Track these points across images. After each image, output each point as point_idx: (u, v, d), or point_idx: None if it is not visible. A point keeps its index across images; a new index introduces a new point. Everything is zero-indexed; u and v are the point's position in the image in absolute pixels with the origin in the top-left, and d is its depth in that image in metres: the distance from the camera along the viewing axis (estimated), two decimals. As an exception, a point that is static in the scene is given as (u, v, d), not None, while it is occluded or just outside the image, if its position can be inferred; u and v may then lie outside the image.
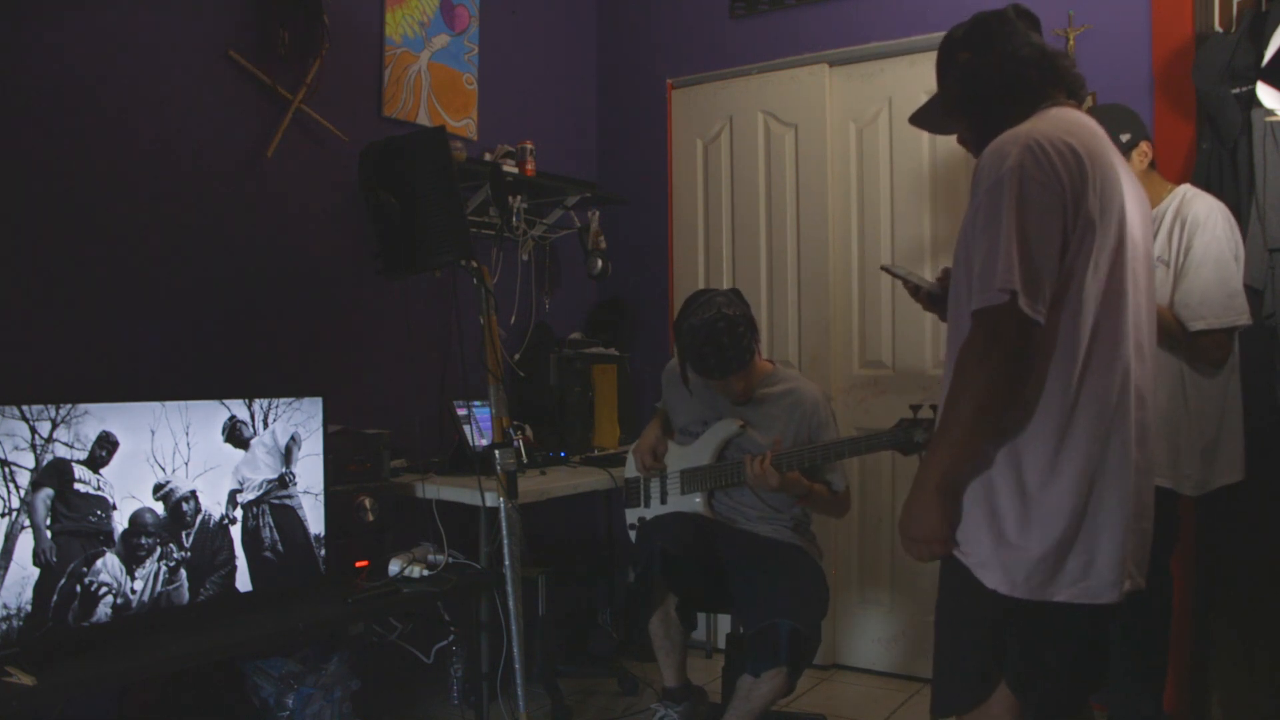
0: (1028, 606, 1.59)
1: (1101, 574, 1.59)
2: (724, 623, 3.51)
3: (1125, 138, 2.61)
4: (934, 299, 2.14)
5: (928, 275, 2.82)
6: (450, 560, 2.87)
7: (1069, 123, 1.64)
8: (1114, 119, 2.64)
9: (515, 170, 3.50)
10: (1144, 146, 2.65)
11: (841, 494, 2.83)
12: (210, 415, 2.46)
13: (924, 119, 1.92)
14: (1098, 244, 1.57)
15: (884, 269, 2.53)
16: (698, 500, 2.87)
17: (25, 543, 2.10)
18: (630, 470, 3.06)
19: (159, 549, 2.34)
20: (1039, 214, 1.53)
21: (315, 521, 2.68)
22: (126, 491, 2.28)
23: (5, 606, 2.06)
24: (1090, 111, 2.80)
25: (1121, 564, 1.60)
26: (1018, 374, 1.54)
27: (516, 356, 3.70)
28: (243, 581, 2.52)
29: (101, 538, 2.24)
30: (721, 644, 3.40)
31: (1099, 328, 1.59)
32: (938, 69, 1.85)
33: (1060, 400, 1.58)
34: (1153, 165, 2.71)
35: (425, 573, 2.77)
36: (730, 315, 2.71)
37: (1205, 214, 2.57)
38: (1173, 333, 2.55)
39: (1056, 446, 1.58)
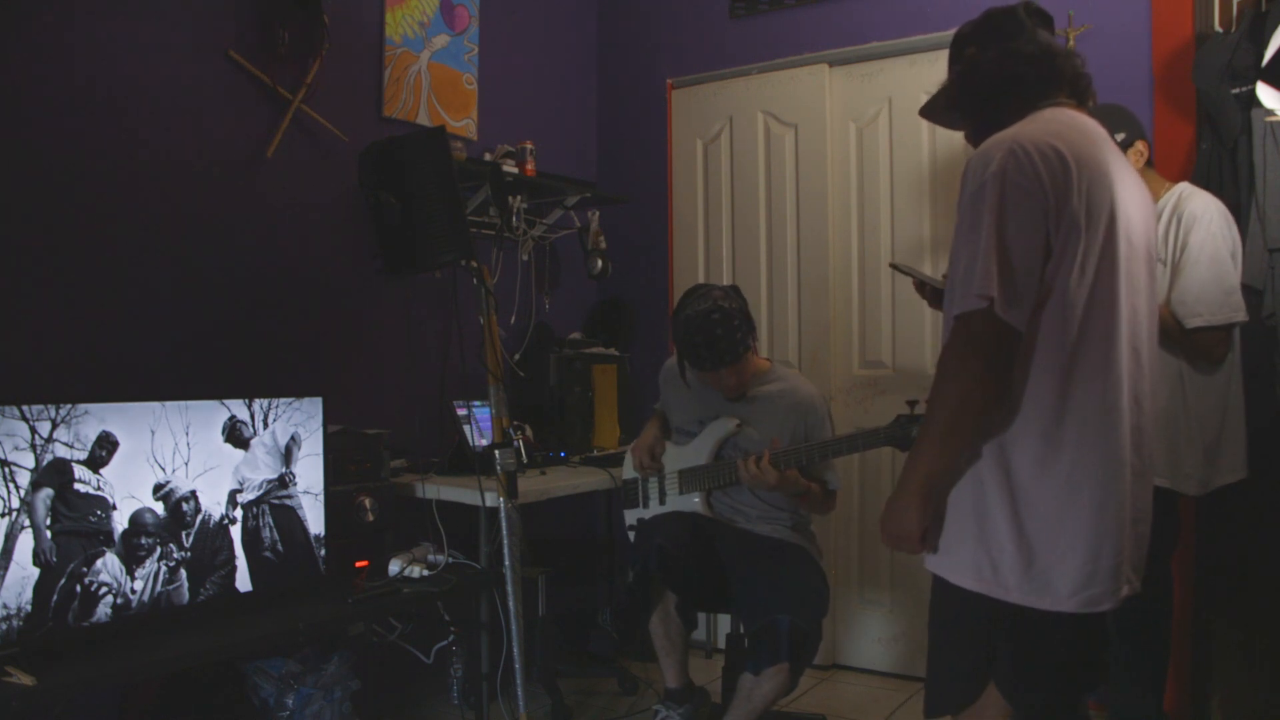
0: (1019, 612, 1.59)
1: (1102, 581, 1.58)
2: (724, 623, 3.51)
3: (1120, 137, 2.62)
4: (939, 296, 2.17)
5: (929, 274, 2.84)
6: (450, 560, 2.87)
7: (1060, 124, 1.63)
8: (1108, 119, 2.64)
9: (515, 170, 3.50)
10: (1139, 146, 2.67)
11: (835, 493, 2.85)
12: (210, 415, 2.46)
13: (932, 111, 1.92)
14: (1084, 248, 1.56)
15: (893, 266, 2.67)
16: (696, 500, 2.87)
17: (25, 543, 2.10)
18: (628, 471, 3.06)
19: (159, 549, 2.34)
20: (1019, 220, 1.54)
21: (315, 521, 2.68)
22: (126, 491, 2.28)
23: (5, 606, 2.06)
24: (1088, 113, 2.83)
25: (1118, 570, 1.59)
26: (994, 380, 1.54)
27: (516, 356, 3.71)
28: (243, 581, 2.52)
29: (101, 538, 2.24)
30: (722, 644, 3.40)
31: (1087, 332, 1.58)
32: (949, 62, 1.85)
33: (1047, 404, 1.57)
34: (1150, 164, 2.71)
35: (425, 573, 2.78)
36: (725, 308, 2.71)
37: (1201, 210, 2.57)
38: (1170, 330, 2.55)
39: (1044, 451, 1.57)
